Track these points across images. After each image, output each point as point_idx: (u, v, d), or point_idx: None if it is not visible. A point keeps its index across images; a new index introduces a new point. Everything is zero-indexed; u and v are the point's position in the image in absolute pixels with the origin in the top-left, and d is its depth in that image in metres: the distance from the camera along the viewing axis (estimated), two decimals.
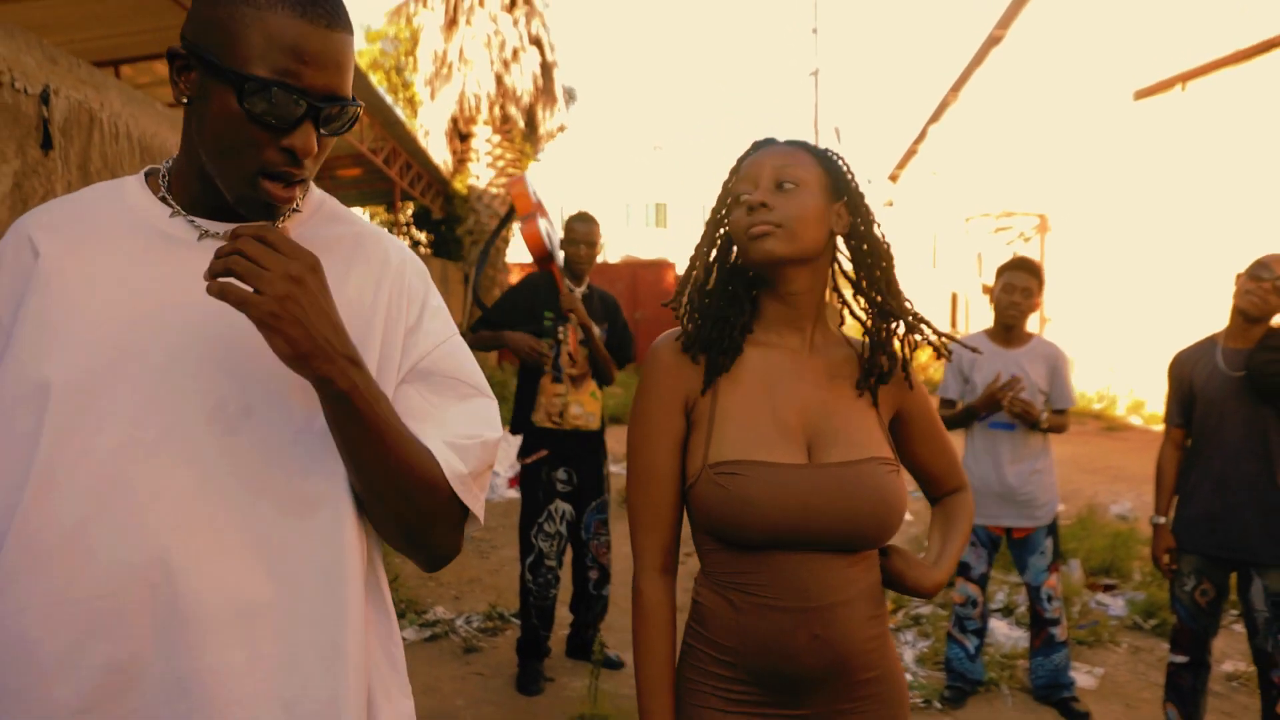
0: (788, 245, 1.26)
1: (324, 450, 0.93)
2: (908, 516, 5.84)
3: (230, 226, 0.95)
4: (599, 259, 3.80)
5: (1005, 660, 3.78)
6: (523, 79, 13.57)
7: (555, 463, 3.59)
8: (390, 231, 0.96)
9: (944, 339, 1.39)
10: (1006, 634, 4.07)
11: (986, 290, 12.84)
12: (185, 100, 0.92)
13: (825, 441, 1.26)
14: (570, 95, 15.16)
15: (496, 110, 13.68)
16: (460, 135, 14.16)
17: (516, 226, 3.66)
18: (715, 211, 1.37)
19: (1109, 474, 8.22)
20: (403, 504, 0.93)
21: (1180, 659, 2.93)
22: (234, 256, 0.83)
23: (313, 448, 0.93)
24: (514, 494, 6.20)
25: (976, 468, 3.38)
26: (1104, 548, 5.15)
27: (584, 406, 3.61)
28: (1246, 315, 2.75)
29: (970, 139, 18.09)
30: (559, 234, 3.73)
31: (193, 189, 0.96)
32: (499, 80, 13.49)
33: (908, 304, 1.35)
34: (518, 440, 3.67)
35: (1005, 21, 16.65)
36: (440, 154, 13.86)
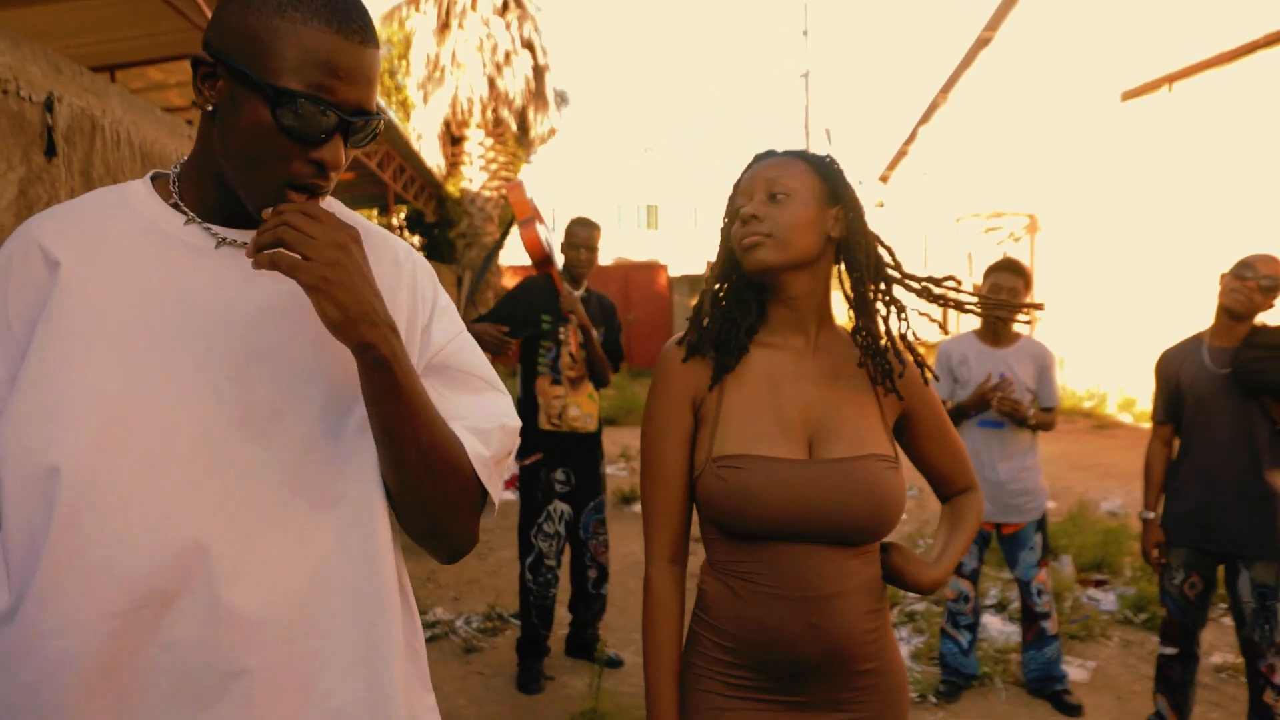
0: (778, 254, 1.31)
1: (354, 449, 0.94)
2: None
3: (248, 234, 0.96)
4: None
5: (999, 655, 3.83)
6: (515, 82, 13.60)
7: (553, 464, 3.63)
8: None
9: (960, 303, 1.42)
10: (999, 629, 4.13)
11: (976, 290, 12.86)
12: (210, 108, 0.91)
13: (826, 438, 1.31)
14: (562, 98, 15.20)
15: (489, 113, 13.71)
16: (453, 139, 14.18)
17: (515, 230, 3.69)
18: (724, 223, 1.42)
19: (1099, 471, 8.30)
20: (432, 486, 0.93)
21: (1170, 651, 2.99)
22: (283, 227, 0.84)
23: (343, 447, 0.93)
24: (511, 496, 6.24)
25: None
26: (1095, 544, 5.22)
27: (582, 408, 3.65)
28: (1232, 313, 2.81)
29: (960, 140, 18.20)
30: (557, 237, 3.77)
31: (207, 196, 0.96)
32: (491, 84, 13.52)
33: (921, 281, 1.39)
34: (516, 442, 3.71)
35: (994, 23, 16.77)
36: (433, 157, 13.88)
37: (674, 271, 19.89)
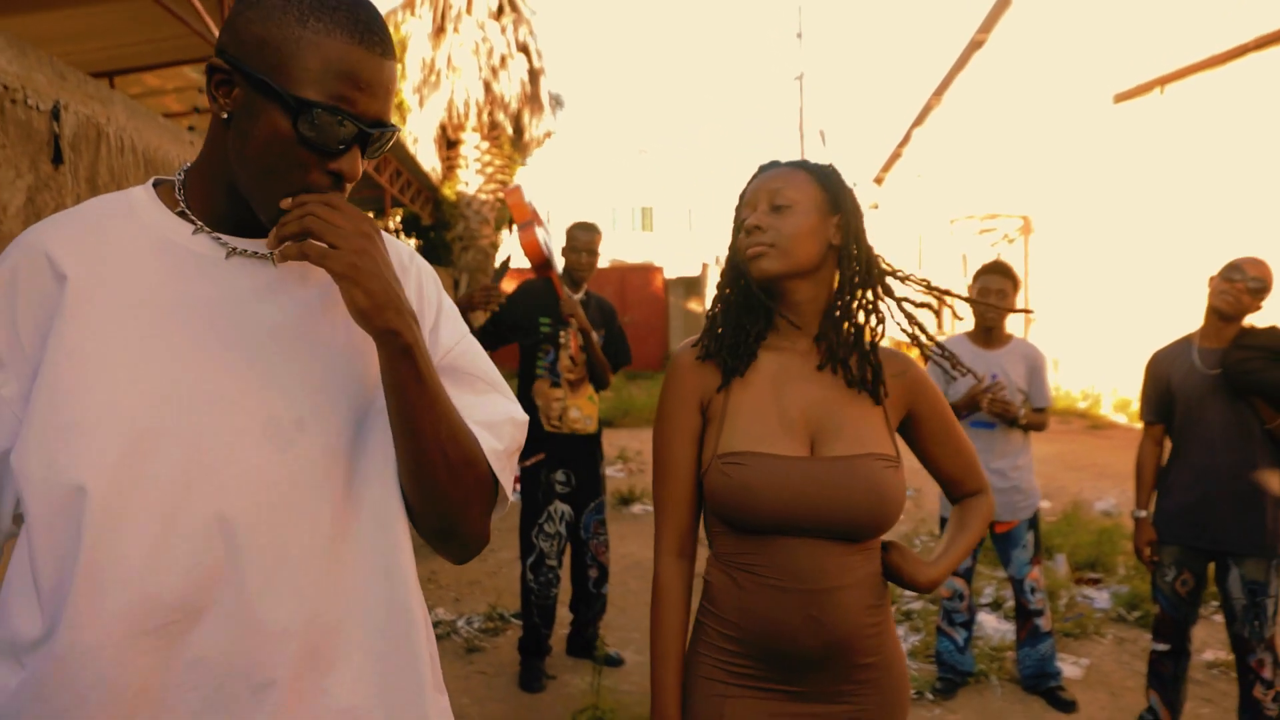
0: (781, 263, 1.37)
1: (376, 456, 0.94)
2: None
3: (258, 243, 0.95)
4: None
5: (994, 652, 3.88)
6: (511, 86, 13.62)
7: (554, 465, 3.67)
8: None
9: (931, 342, 1.50)
10: (995, 627, 4.18)
11: (969, 291, 12.94)
12: (225, 116, 0.89)
13: (828, 437, 1.36)
14: (557, 101, 15.23)
15: (485, 117, 13.72)
16: (449, 142, 14.19)
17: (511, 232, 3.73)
18: (731, 233, 1.48)
19: (1094, 471, 8.36)
20: (449, 479, 0.93)
21: (1162, 647, 3.04)
22: (309, 217, 0.85)
23: (366, 454, 0.94)
24: (512, 498, 6.28)
25: None
26: (1089, 543, 5.27)
27: (582, 410, 3.69)
28: (1221, 315, 2.86)
29: (954, 142, 18.28)
30: (558, 241, 3.81)
31: (216, 204, 0.94)
32: (487, 87, 13.54)
33: (915, 284, 1.45)
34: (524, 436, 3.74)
35: (987, 26, 16.85)
36: (429, 161, 13.90)
37: (669, 273, 19.93)
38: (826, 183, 1.42)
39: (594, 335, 3.65)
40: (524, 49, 13.97)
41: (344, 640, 0.91)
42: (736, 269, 1.46)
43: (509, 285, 13.96)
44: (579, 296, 3.77)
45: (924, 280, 1.48)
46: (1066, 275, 14.10)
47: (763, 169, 1.46)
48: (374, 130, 0.90)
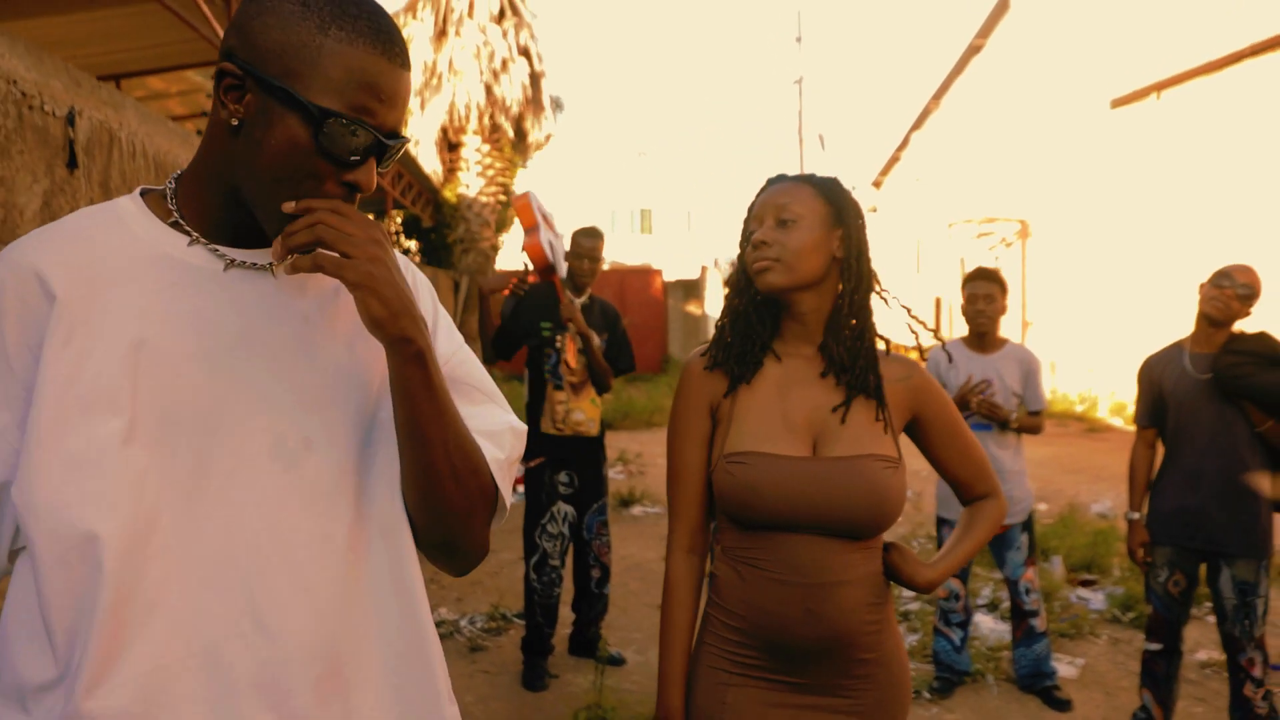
0: (786, 277, 1.43)
1: (384, 470, 0.93)
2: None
3: (257, 254, 0.92)
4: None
5: (990, 652, 3.93)
6: (512, 89, 13.69)
7: (557, 466, 3.72)
8: None
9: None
10: (991, 627, 4.23)
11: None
12: (235, 123, 0.85)
13: (830, 439, 1.42)
14: (557, 104, 15.30)
15: (486, 120, 13.79)
16: (450, 145, 14.27)
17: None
18: (740, 246, 1.54)
19: (1090, 474, 8.42)
20: (454, 489, 0.92)
21: (1155, 646, 3.09)
22: (319, 225, 0.82)
23: (374, 472, 0.93)
24: (513, 499, 6.33)
25: None
26: (1085, 545, 5.32)
27: (585, 413, 3.75)
28: (1211, 320, 2.93)
29: (952, 146, 18.36)
30: (564, 246, 3.86)
31: (212, 213, 0.91)
32: (489, 90, 13.61)
33: (873, 329, 1.51)
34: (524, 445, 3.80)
35: (985, 31, 16.94)
36: (430, 163, 13.97)
37: (668, 276, 19.98)
38: (831, 197, 1.48)
39: (595, 340, 3.69)
40: (525, 52, 14.03)
41: (364, 659, 0.89)
42: (744, 280, 1.52)
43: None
44: (583, 301, 3.82)
45: (905, 307, 1.55)
46: (1064, 279, 14.17)
47: (770, 182, 1.52)
48: (392, 142, 0.88)
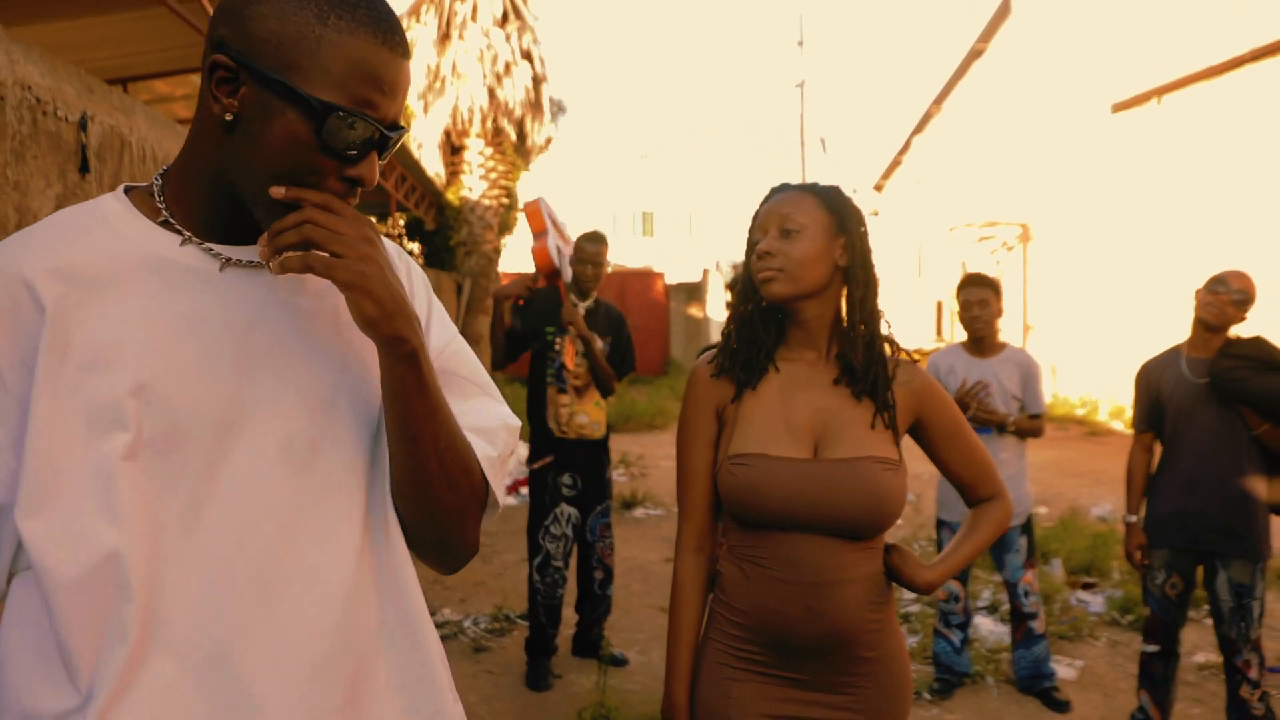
0: (790, 286, 1.47)
1: (378, 470, 0.93)
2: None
3: (253, 250, 0.89)
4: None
5: (990, 654, 3.97)
6: (515, 92, 13.73)
7: (560, 468, 3.76)
8: None
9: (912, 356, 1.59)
10: (991, 629, 4.26)
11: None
12: (229, 118, 0.82)
13: (831, 441, 1.46)
14: (559, 107, 15.35)
15: (489, 123, 13.83)
16: (453, 148, 14.31)
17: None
18: (745, 255, 1.58)
19: (1090, 477, 8.45)
20: (446, 488, 0.90)
21: (1152, 648, 3.12)
22: (308, 225, 0.80)
23: (381, 474, 0.92)
24: (514, 500, 6.37)
25: None
26: (1084, 548, 5.36)
27: (589, 415, 3.78)
28: (1207, 326, 2.96)
29: (953, 150, 18.40)
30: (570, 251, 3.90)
31: (203, 210, 0.88)
32: (491, 94, 13.65)
33: (882, 335, 1.54)
34: (525, 447, 3.85)
35: (986, 35, 16.99)
36: (433, 166, 14.01)
37: (670, 279, 20.01)
38: (833, 206, 1.52)
39: (596, 344, 3.73)
40: (528, 56, 14.08)
41: (375, 661, 0.89)
42: (749, 288, 1.55)
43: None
44: (588, 305, 3.86)
45: (886, 322, 1.56)
46: (1064, 283, 14.20)
47: (774, 191, 1.56)
48: (393, 134, 0.86)
